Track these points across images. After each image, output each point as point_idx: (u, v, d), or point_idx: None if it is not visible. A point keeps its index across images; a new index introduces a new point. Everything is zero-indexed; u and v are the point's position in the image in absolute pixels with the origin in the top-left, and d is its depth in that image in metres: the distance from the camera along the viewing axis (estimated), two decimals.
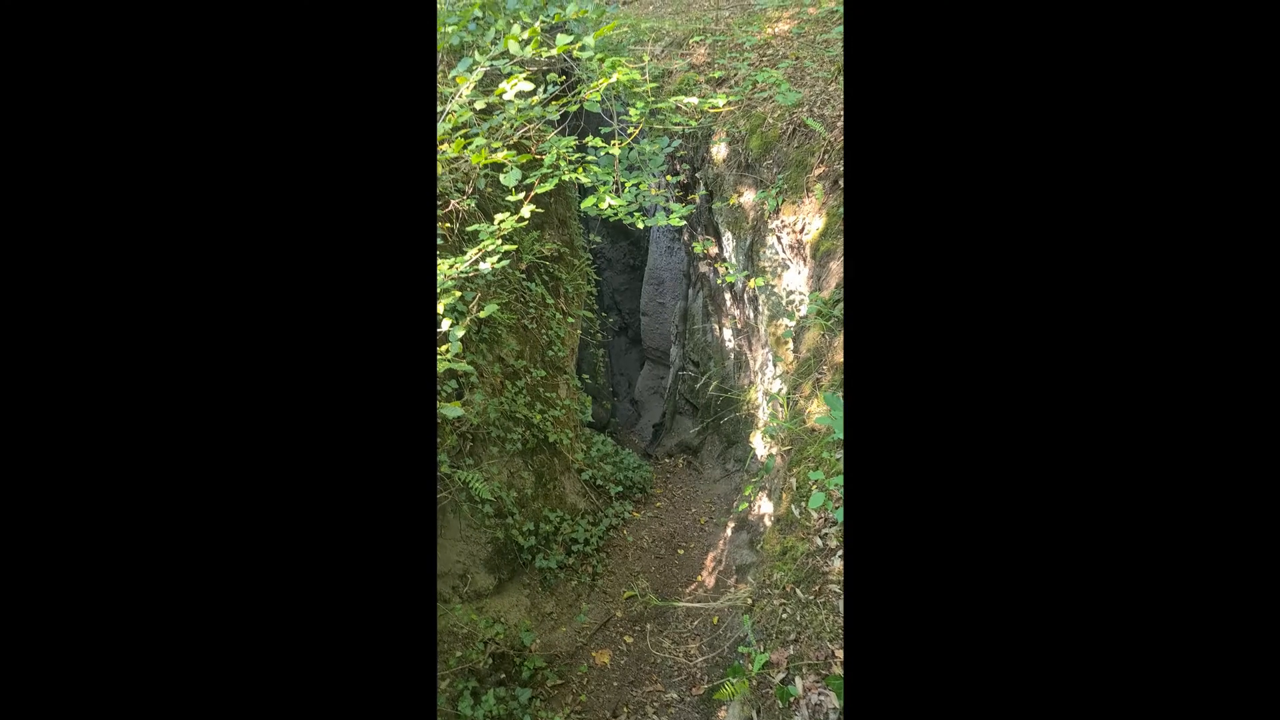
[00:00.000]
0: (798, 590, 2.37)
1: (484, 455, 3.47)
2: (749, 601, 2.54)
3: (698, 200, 5.33)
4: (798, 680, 2.15)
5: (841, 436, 1.71)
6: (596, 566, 4.14)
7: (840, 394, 2.96)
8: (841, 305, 3.40)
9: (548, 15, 2.77)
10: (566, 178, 2.84)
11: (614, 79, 3.01)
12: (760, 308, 4.98)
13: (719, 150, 5.14)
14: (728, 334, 5.81)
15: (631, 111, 3.08)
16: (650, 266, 8.56)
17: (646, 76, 3.08)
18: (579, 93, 2.98)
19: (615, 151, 2.68)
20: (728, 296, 5.71)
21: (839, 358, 3.17)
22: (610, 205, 3.05)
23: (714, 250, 5.80)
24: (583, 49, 2.55)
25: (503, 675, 3.20)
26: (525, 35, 2.64)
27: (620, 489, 4.59)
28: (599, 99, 3.00)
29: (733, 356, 5.72)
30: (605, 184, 3.18)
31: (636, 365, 8.63)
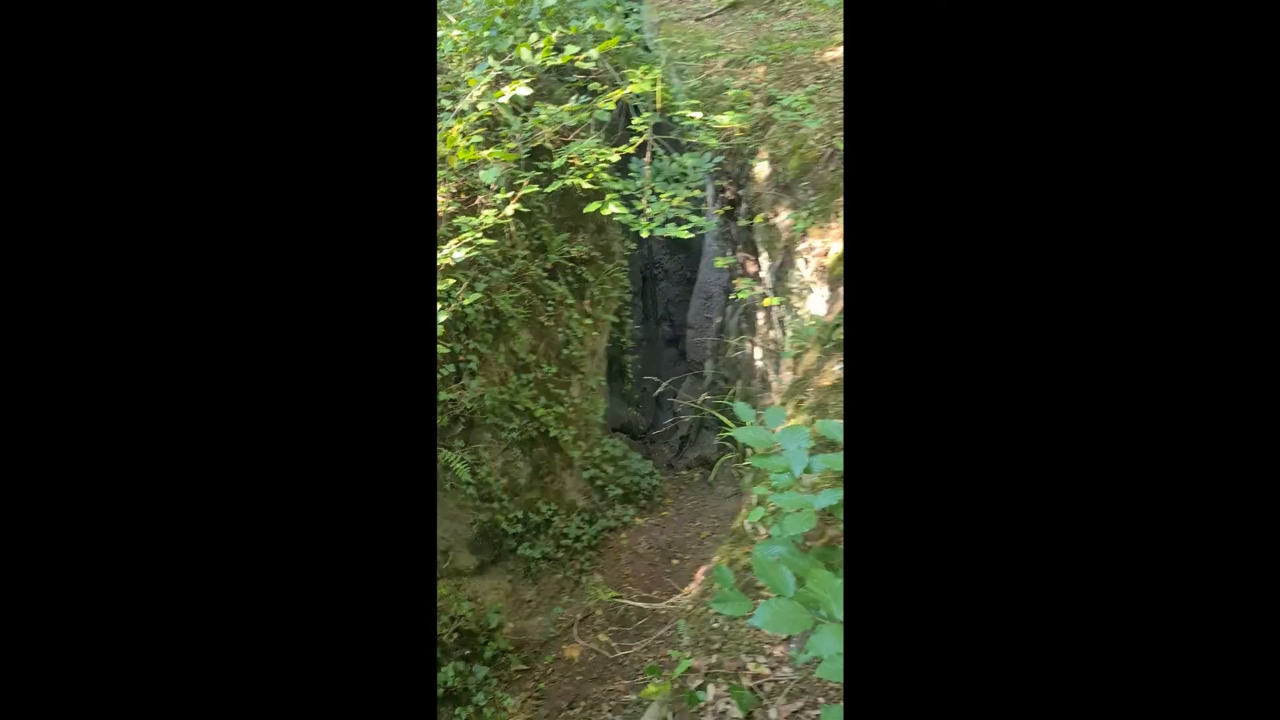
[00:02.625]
0: None
1: (477, 440, 3.62)
2: (689, 608, 2.57)
3: (721, 216, 5.37)
4: (710, 687, 2.17)
5: (753, 449, 1.74)
6: (584, 564, 4.22)
7: (785, 412, 2.95)
8: (839, 330, 3.38)
9: (565, 27, 2.91)
10: (569, 182, 2.95)
11: (627, 90, 3.11)
12: (785, 329, 4.97)
13: (761, 168, 5.17)
14: (758, 353, 5.81)
15: (635, 121, 3.18)
16: (700, 280, 8.60)
17: (659, 89, 3.17)
18: (594, 102, 3.10)
19: (613, 158, 2.78)
20: (760, 316, 5.71)
21: (826, 381, 3.16)
22: (614, 213, 3.15)
23: (752, 268, 5.81)
24: (586, 59, 2.67)
25: (466, 652, 3.33)
26: (539, 44, 2.77)
27: (621, 492, 4.66)
28: (612, 107, 3.11)
29: (759, 376, 5.71)
30: (612, 192, 3.29)
31: (683, 378, 8.67)
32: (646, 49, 5.46)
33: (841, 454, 1.61)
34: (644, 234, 3.25)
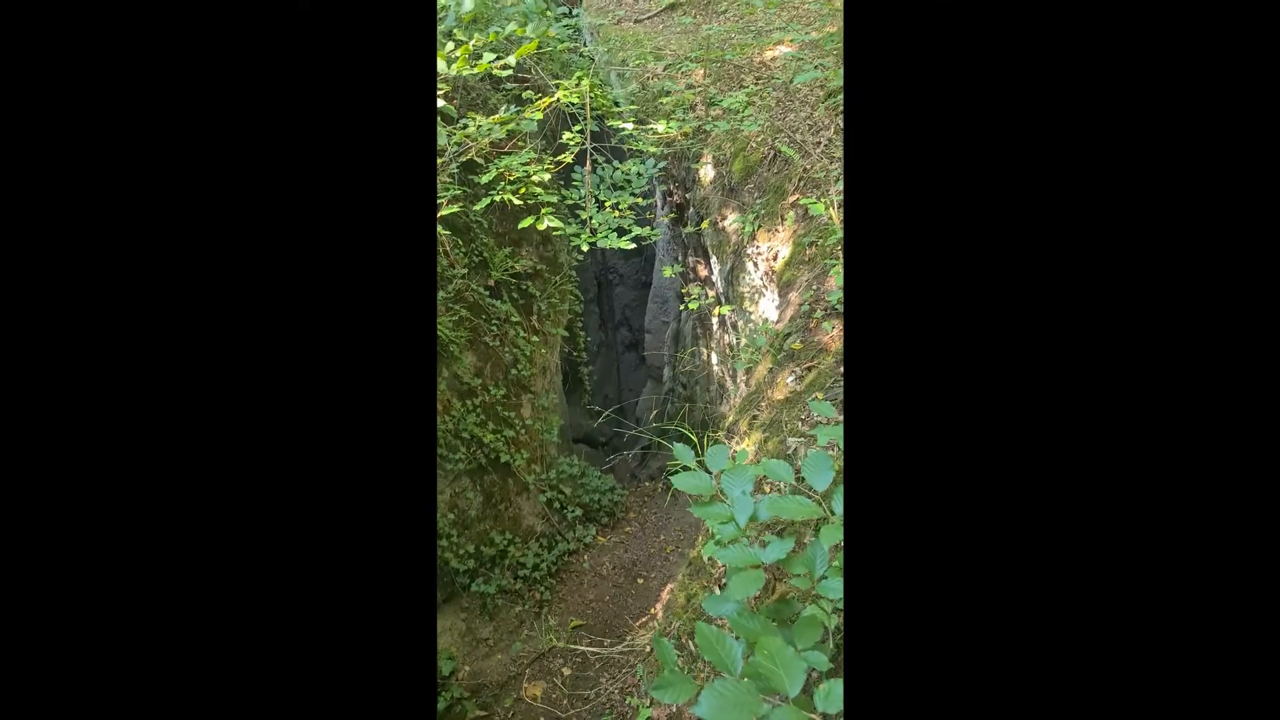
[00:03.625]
0: (690, 643, 2.25)
1: None
2: (647, 650, 2.41)
3: (670, 220, 5.23)
4: None
5: (689, 483, 1.59)
6: (544, 593, 4.04)
7: (730, 445, 2.83)
8: (790, 339, 3.26)
9: (484, 34, 2.73)
10: (499, 198, 2.77)
11: (556, 98, 2.95)
12: (739, 335, 4.85)
13: (706, 172, 5.04)
14: (714, 359, 5.68)
15: (566, 135, 3.02)
16: (655, 285, 8.46)
17: (589, 99, 3.01)
18: (522, 111, 2.93)
19: (545, 175, 2.61)
20: (715, 321, 5.58)
21: (779, 395, 3.03)
22: (551, 227, 2.98)
23: (704, 272, 5.68)
24: (505, 68, 2.50)
25: None
26: (457, 54, 2.59)
27: (580, 512, 4.49)
28: (540, 117, 2.94)
29: (717, 382, 5.58)
30: (547, 205, 3.12)
31: (643, 383, 8.52)
32: (581, 55, 5.28)
33: (790, 499, 1.47)
34: (584, 247, 3.08)
